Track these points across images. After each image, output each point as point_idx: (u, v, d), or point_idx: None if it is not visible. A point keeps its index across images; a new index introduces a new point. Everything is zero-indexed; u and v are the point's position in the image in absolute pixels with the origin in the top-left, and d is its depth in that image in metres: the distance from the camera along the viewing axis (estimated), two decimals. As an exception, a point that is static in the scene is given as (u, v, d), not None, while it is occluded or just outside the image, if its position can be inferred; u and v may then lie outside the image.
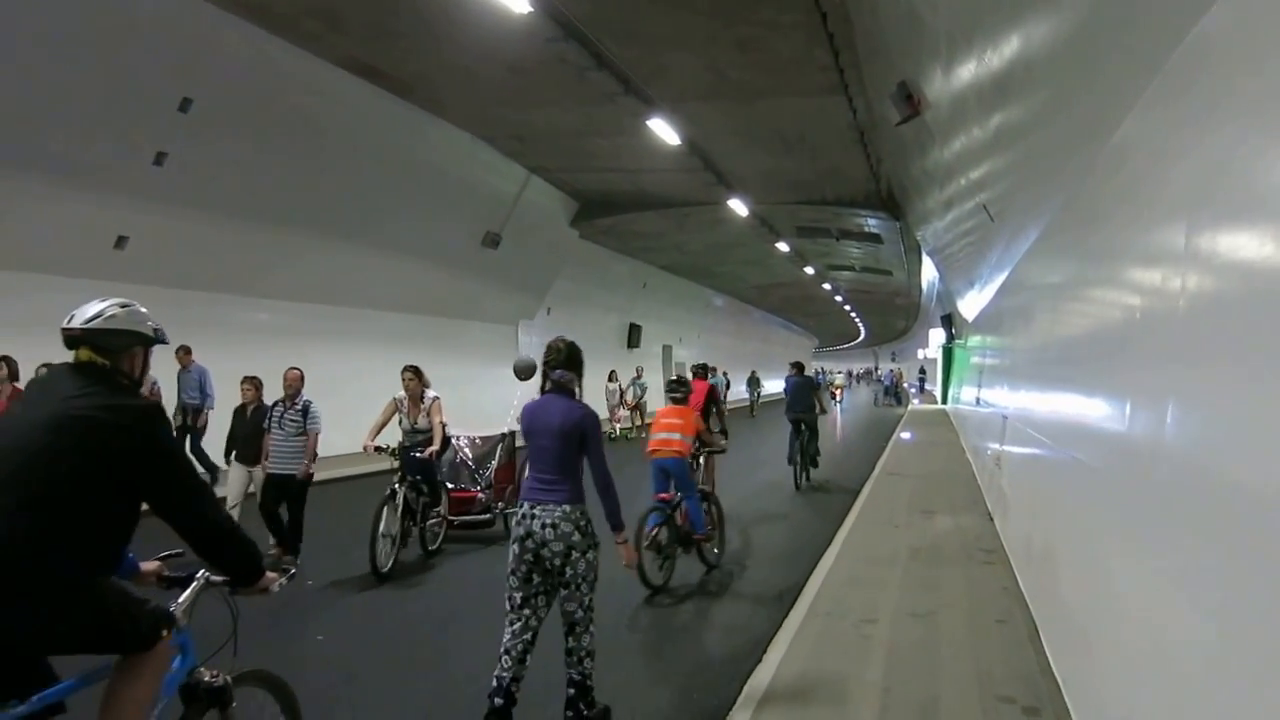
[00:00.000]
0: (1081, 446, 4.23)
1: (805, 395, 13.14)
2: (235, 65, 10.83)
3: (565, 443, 4.07)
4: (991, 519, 8.42)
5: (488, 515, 8.77)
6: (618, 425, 21.34)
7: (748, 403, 33.70)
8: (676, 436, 7.19)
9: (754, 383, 34.43)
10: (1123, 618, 3.17)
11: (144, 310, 2.78)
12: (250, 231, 13.31)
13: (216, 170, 11.93)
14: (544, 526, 3.95)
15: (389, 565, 7.01)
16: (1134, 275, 3.52)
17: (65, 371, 2.62)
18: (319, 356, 15.18)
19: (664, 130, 13.78)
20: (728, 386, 28.26)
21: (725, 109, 13.56)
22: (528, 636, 4.00)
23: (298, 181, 13.40)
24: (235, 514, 6.88)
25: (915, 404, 38.15)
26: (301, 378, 7.73)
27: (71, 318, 2.63)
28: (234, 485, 7.80)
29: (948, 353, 30.40)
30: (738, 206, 19.24)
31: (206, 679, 2.82)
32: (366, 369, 16.02)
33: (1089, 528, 3.95)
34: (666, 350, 34.55)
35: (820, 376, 47.23)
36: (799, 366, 14.27)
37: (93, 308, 2.66)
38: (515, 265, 20.31)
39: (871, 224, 21.51)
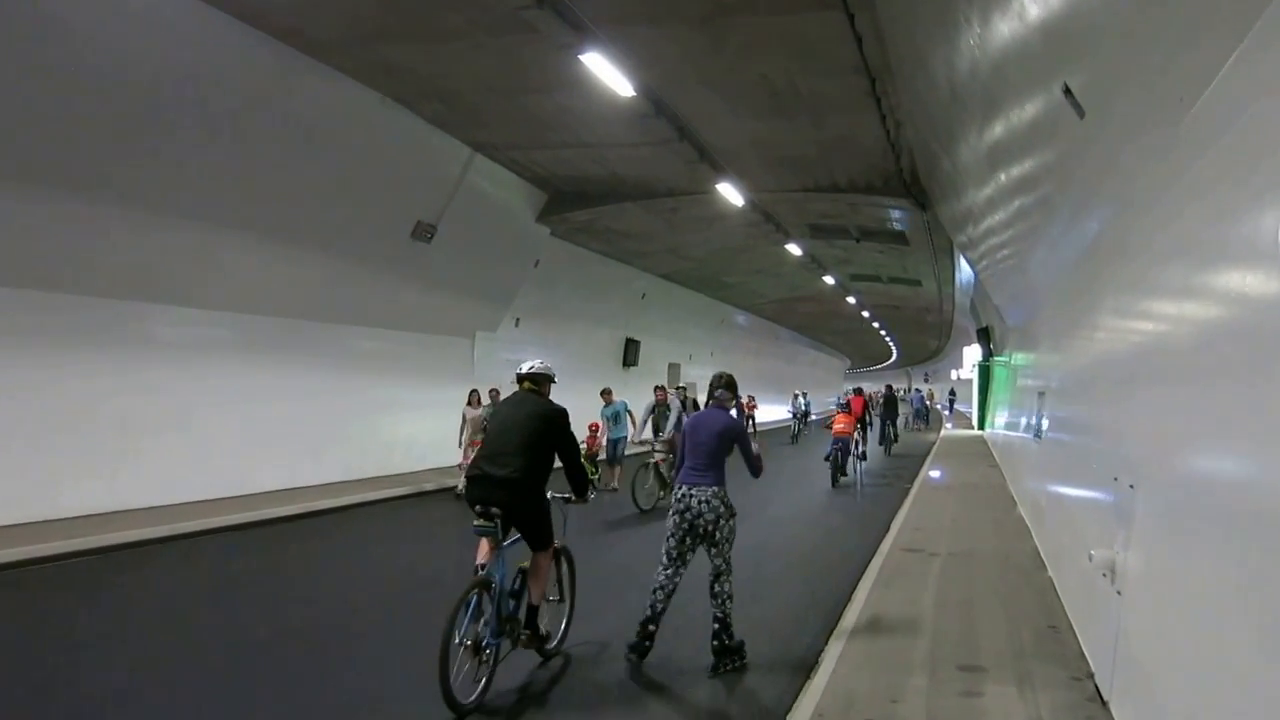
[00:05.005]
0: None
1: (893, 406, 23.83)
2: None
3: (721, 442, 5.26)
4: (1102, 699, 4.13)
5: None
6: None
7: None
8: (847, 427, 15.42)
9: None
10: None
11: (550, 364, 5.34)
12: (39, 200, 9.50)
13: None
14: (700, 502, 5.15)
15: None
16: None
17: (524, 394, 5.18)
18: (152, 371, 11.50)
19: (609, 73, 9.89)
20: (685, 406, 14.32)
21: (683, 38, 9.57)
22: (676, 581, 5.23)
23: (109, 135, 9.63)
24: None
25: (948, 428, 33.37)
26: None
27: (521, 368, 5.27)
28: None
29: (985, 371, 25.83)
30: (730, 194, 15.13)
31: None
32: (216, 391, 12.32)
33: None
34: (673, 369, 30.35)
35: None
36: (890, 387, 25.94)
37: (529, 364, 5.26)
38: (463, 266, 16.35)
39: (895, 217, 17.25)
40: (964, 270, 20.25)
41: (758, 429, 27.21)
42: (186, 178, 10.78)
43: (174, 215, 10.98)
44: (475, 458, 5.04)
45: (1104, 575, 4.19)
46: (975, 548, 8.14)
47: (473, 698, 4.42)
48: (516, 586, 4.94)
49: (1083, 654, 4.76)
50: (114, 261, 10.84)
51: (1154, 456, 3.77)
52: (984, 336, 24.24)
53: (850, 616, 5.79)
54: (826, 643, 5.36)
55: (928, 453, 20.69)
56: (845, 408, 16.66)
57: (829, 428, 16.11)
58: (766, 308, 36.83)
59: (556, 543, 5.17)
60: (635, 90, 10.58)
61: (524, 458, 4.81)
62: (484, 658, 4.53)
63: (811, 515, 11.29)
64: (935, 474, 15.58)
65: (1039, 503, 8.59)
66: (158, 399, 11.52)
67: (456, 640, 4.30)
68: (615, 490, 13.55)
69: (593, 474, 13.54)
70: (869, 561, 7.62)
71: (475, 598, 4.51)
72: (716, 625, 5.11)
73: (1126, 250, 4.79)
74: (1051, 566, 6.80)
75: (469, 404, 13.90)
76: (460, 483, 13.03)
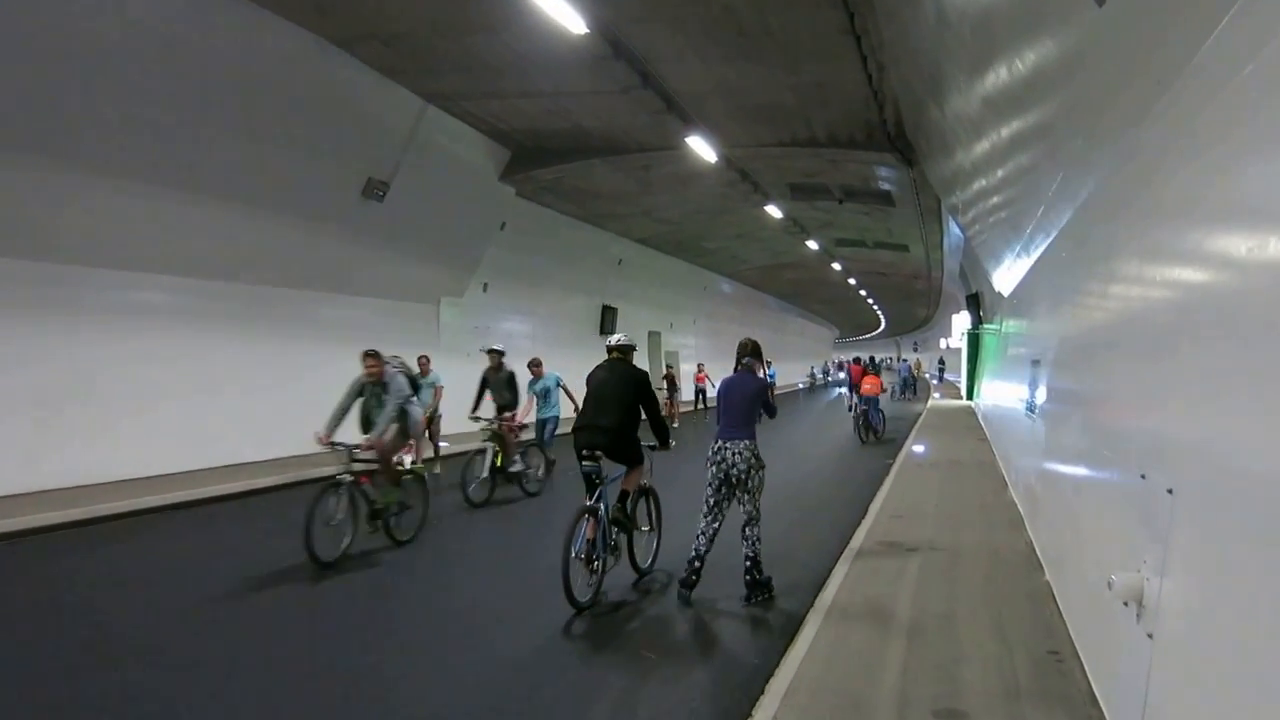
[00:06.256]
0: None
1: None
2: None
3: (750, 403, 5.89)
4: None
5: None
6: (405, 461, 8.68)
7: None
8: (877, 388, 17.64)
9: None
10: None
11: (631, 338, 6.57)
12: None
13: None
14: (734, 454, 5.75)
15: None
16: None
17: (613, 361, 6.30)
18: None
19: (555, 5, 8.76)
20: (416, 388, 8.42)
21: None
22: (716, 526, 5.85)
23: (22, 86, 8.58)
24: None
25: (936, 398, 32.41)
26: None
27: (609, 340, 6.45)
28: None
29: (974, 339, 24.78)
30: (702, 148, 13.93)
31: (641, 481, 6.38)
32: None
33: None
34: (654, 337, 29.23)
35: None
36: (872, 358, 25.48)
37: (616, 337, 6.47)
38: (423, 227, 15.21)
39: (879, 175, 16.11)
40: (953, 233, 19.18)
41: (708, 404, 23.35)
42: (108, 131, 9.71)
43: (99, 172, 9.91)
44: (582, 411, 6.26)
45: (1125, 604, 3.15)
46: (961, 540, 7.07)
47: (587, 598, 5.60)
48: (615, 514, 6.02)
49: (1093, 695, 3.71)
50: (36, 222, 9.77)
51: (1205, 451, 2.70)
52: (973, 303, 23.17)
53: (806, 635, 4.69)
54: (775, 667, 4.31)
55: (913, 424, 19.68)
56: (872, 370, 19.25)
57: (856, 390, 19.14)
58: (750, 275, 35.63)
59: (645, 482, 6.44)
60: (588, 27, 9.43)
61: (619, 411, 6.04)
62: (593, 568, 5.70)
63: (777, 501, 10.08)
64: (919, 449, 14.56)
65: (1033, 488, 7.56)
66: (81, 369, 10.46)
67: (573, 554, 5.45)
68: (541, 477, 11.09)
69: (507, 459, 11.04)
70: (835, 562, 6.53)
71: (585, 521, 5.69)
72: (748, 563, 5.79)
73: (1152, 186, 3.72)
74: (1050, 568, 5.74)
75: None
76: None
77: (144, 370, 11.16)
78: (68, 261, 10.29)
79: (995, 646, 4.44)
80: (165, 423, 11.22)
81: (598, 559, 5.72)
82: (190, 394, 11.67)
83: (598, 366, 6.33)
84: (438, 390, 11.69)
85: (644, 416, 6.27)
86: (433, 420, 11.78)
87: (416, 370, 9.60)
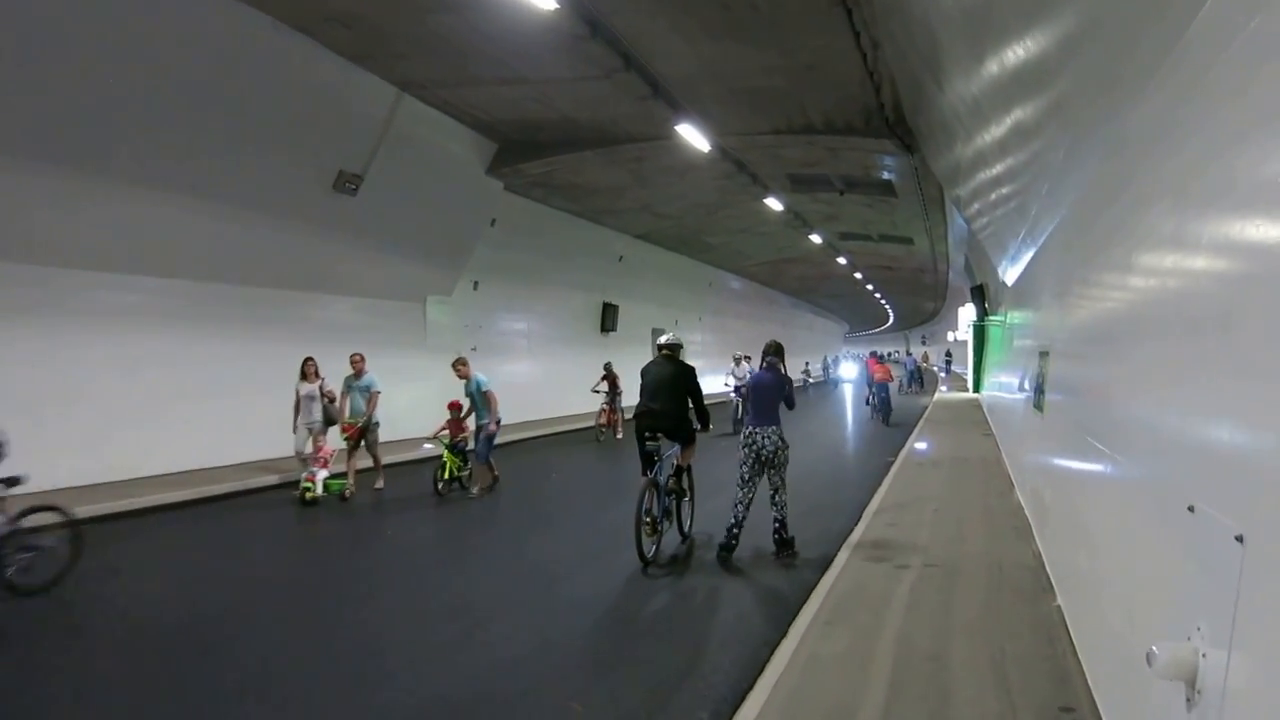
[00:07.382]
0: None
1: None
2: None
3: (775, 393, 6.76)
4: None
5: None
6: (317, 475, 9.68)
7: None
8: (888, 376, 20.92)
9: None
10: None
11: (678, 336, 7.50)
12: None
13: None
14: (764, 438, 6.59)
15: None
16: None
17: (663, 358, 7.20)
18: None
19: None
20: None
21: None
22: (750, 498, 6.61)
23: None
24: None
25: (943, 390, 31.37)
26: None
27: (659, 339, 7.46)
28: None
29: (979, 331, 23.78)
30: (693, 137, 13.05)
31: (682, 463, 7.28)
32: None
33: None
34: (657, 335, 28.24)
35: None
36: (874, 353, 25.58)
37: (665, 336, 7.48)
38: (404, 223, 14.39)
39: (880, 164, 15.15)
40: (958, 225, 18.21)
41: None
42: (60, 127, 8.99)
43: (48, 172, 9.18)
44: (641, 399, 7.10)
45: (1169, 681, 2.26)
46: (960, 553, 6.16)
47: (651, 554, 6.50)
48: (671, 485, 7.00)
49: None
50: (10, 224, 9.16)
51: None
52: (977, 295, 22.15)
53: (758, 696, 3.74)
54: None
55: (918, 419, 18.74)
56: (881, 360, 22.87)
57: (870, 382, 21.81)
58: (756, 270, 34.62)
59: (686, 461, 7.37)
60: (558, 3, 8.60)
61: (674, 399, 6.98)
62: (654, 529, 6.60)
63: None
64: (922, 445, 13.62)
65: (1041, 492, 6.64)
66: (57, 372, 9.88)
67: (642, 518, 6.36)
68: (475, 494, 10.17)
69: (459, 469, 10.19)
70: (819, 579, 5.67)
71: (648, 491, 6.54)
72: (776, 524, 6.62)
73: (1191, 137, 2.82)
74: (1061, 590, 4.82)
75: (303, 377, 10.09)
76: (302, 477, 9.76)
77: (103, 373, 10.43)
78: (30, 263, 9.61)
79: (995, 699, 3.54)
80: (122, 426, 10.48)
81: (659, 523, 6.64)
82: (149, 397, 10.94)
83: (651, 362, 7.31)
84: (373, 396, 10.09)
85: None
86: (367, 430, 10.11)
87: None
